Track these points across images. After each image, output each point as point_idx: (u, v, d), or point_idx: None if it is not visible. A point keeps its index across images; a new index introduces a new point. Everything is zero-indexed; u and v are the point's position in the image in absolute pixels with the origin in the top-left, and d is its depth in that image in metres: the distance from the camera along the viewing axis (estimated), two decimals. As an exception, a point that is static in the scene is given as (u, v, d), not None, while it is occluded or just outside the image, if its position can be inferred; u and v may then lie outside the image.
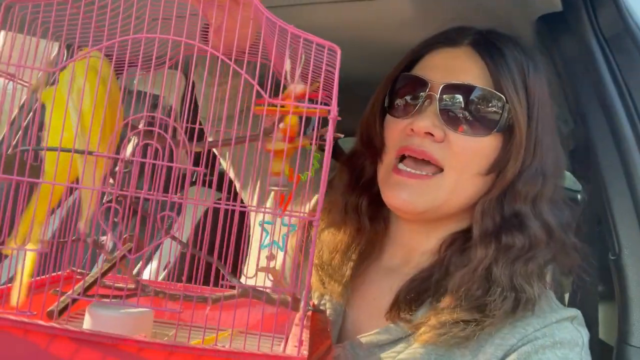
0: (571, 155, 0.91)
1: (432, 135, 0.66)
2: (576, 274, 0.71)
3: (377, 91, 0.76)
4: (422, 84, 0.69)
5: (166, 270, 1.11)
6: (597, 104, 0.83)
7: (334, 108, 0.40)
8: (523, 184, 0.67)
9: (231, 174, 0.88)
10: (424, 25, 0.78)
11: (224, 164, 0.89)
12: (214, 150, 0.85)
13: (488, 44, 0.71)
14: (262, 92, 0.40)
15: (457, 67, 0.69)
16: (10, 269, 0.48)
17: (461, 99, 0.67)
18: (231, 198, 0.59)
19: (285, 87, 0.45)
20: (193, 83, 0.80)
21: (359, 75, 1.02)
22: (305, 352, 0.39)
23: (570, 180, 1.00)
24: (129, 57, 0.46)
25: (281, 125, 0.48)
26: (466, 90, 0.67)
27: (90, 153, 0.45)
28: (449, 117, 0.67)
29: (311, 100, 0.43)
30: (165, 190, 0.56)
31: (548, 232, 0.67)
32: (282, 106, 0.44)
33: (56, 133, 0.44)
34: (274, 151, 0.46)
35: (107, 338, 0.39)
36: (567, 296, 0.92)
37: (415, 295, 0.67)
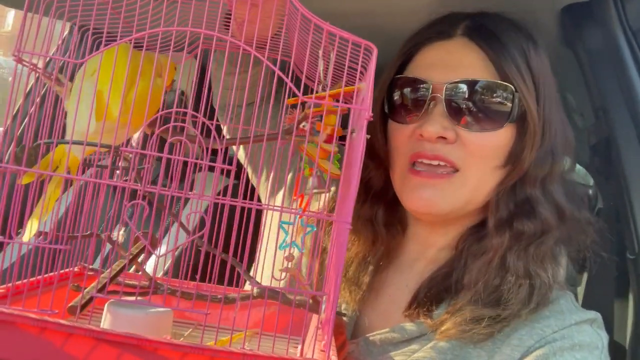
0: (591, 150, 0.89)
1: (444, 138, 0.64)
2: (592, 251, 0.70)
3: (374, 98, 0.72)
4: (422, 85, 0.66)
5: (170, 262, 1.10)
6: (622, 98, 0.81)
7: (368, 109, 0.38)
8: (534, 168, 0.66)
9: (247, 167, 0.87)
10: (440, 13, 0.75)
11: (240, 155, 0.88)
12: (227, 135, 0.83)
13: (483, 31, 0.67)
14: (296, 91, 0.38)
15: (456, 61, 0.66)
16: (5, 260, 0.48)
17: (468, 96, 0.64)
18: (242, 192, 0.58)
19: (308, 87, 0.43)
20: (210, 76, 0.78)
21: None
22: (334, 357, 0.39)
23: (582, 174, 0.99)
24: (146, 42, 0.44)
25: (305, 124, 0.47)
26: (472, 85, 0.64)
27: (91, 144, 0.43)
28: (458, 116, 0.64)
29: (338, 100, 0.42)
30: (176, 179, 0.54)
31: (559, 214, 0.66)
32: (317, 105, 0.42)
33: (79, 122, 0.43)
34: (323, 150, 0.45)
35: (131, 339, 0.38)
36: (581, 296, 0.91)
37: (436, 292, 0.66)
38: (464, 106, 0.64)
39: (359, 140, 0.41)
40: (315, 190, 0.48)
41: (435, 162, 0.65)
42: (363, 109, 0.38)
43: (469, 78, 0.65)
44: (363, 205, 0.72)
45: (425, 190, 0.65)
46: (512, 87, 0.65)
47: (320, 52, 0.39)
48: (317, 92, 0.42)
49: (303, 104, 0.42)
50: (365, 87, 0.39)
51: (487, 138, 0.65)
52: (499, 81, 0.65)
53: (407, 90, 0.68)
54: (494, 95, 0.65)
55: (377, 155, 0.70)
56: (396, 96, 0.69)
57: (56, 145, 0.43)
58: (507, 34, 0.67)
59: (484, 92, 0.64)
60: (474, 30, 0.67)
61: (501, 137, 0.65)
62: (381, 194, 0.72)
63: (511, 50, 0.66)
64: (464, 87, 0.64)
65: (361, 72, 0.40)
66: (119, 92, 0.43)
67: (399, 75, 0.69)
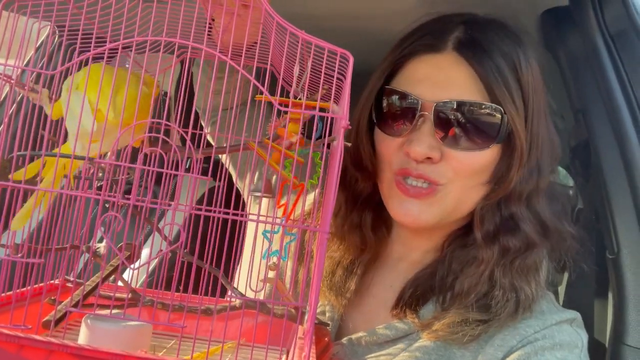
0: (571, 151, 0.90)
1: (430, 158, 0.64)
2: (575, 262, 0.71)
3: (361, 106, 0.71)
4: (412, 102, 0.65)
5: (150, 271, 1.09)
6: (600, 100, 0.82)
7: (345, 117, 0.38)
8: (519, 185, 0.66)
9: (231, 170, 0.87)
10: (426, 15, 0.75)
11: (224, 160, 0.87)
12: (210, 139, 0.83)
13: (473, 45, 0.66)
14: (271, 98, 0.38)
15: (446, 78, 0.65)
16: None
17: (457, 116, 0.64)
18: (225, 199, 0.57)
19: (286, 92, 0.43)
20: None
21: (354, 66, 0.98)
22: (313, 368, 0.38)
23: (562, 175, 1.00)
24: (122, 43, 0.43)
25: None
26: (460, 106, 0.64)
27: (82, 158, 0.43)
28: (445, 135, 0.64)
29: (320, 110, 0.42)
30: (158, 181, 0.54)
31: (543, 230, 0.67)
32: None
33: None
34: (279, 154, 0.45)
35: (109, 355, 0.37)
36: (561, 295, 0.92)
37: (421, 292, 0.67)
38: (452, 125, 0.64)
39: (337, 147, 0.41)
40: (258, 194, 0.47)
41: (420, 181, 0.65)
42: (340, 117, 0.38)
43: (458, 99, 0.64)
44: (352, 213, 0.72)
45: (412, 206, 0.66)
46: (501, 109, 0.64)
47: (297, 60, 0.39)
48: (295, 98, 0.41)
49: (279, 110, 0.42)
50: (337, 110, 0.39)
51: (473, 157, 0.65)
52: (488, 102, 0.64)
53: (396, 102, 0.67)
54: (482, 116, 0.64)
55: (365, 166, 0.70)
56: (385, 106, 0.68)
57: (31, 158, 0.42)
58: (497, 47, 0.66)
59: (472, 112, 0.64)
60: (464, 43, 0.66)
61: (487, 156, 0.65)
62: (369, 199, 0.72)
63: (501, 67, 0.65)
64: (452, 107, 0.64)
65: (339, 79, 0.39)
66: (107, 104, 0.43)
67: (388, 87, 0.69)
